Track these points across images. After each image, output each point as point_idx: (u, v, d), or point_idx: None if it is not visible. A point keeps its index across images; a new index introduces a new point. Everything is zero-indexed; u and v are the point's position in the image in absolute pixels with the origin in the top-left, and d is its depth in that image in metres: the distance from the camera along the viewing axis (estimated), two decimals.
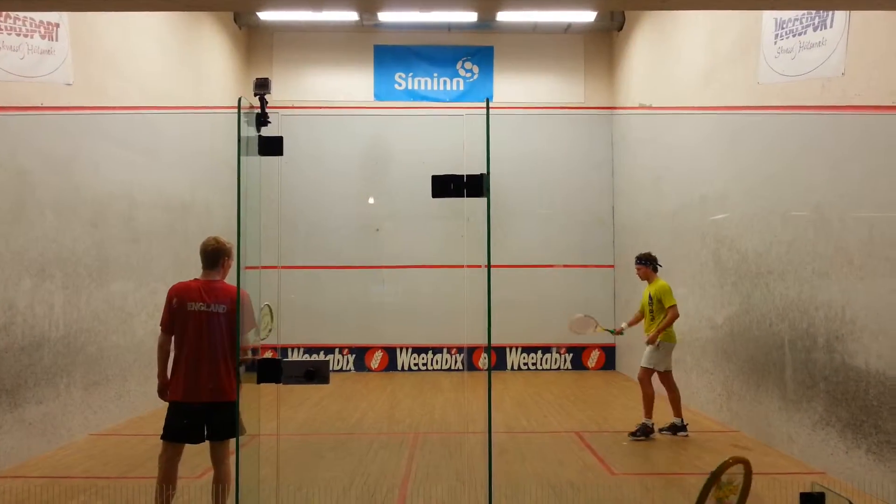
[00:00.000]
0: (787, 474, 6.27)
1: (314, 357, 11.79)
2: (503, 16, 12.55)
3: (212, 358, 4.52)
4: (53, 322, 7.04)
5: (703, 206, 8.90)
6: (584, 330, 8.37)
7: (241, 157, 3.88)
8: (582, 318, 8.39)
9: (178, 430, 4.56)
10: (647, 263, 7.92)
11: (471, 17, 12.51)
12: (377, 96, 13.43)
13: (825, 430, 6.18)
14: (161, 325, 4.64)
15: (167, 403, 4.66)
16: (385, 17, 12.48)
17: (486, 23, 12.95)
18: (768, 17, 7.24)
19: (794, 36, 6.88)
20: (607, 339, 13.04)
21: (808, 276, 6.48)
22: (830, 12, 6.33)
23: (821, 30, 6.49)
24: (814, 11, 6.56)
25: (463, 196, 3.74)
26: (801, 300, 6.59)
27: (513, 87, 13.42)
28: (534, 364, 13.11)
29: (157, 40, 9.67)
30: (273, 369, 3.79)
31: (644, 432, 7.45)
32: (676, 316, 7.60)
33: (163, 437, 4.58)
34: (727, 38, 8.29)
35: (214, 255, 4.67)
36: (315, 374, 3.76)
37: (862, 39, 5.91)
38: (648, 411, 7.59)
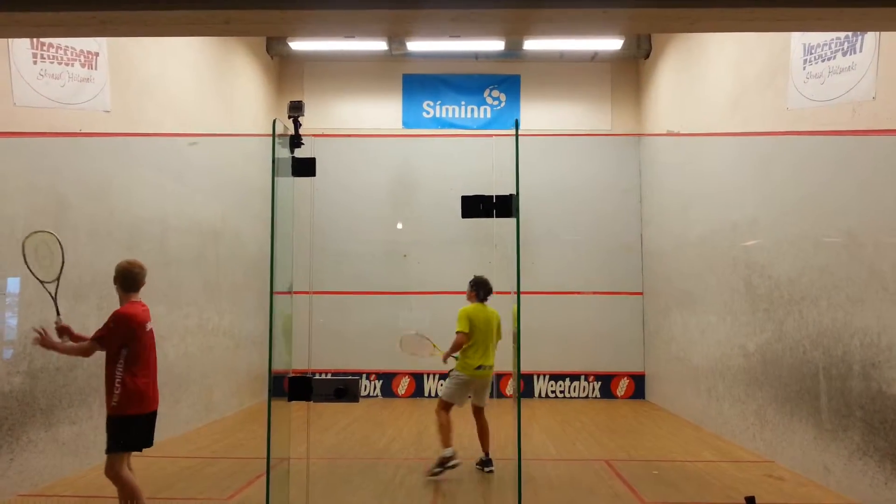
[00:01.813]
0: None
1: None
2: (530, 44, 12.67)
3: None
4: None
5: (733, 232, 8.83)
6: (419, 351, 7.68)
7: (275, 179, 3.96)
8: (415, 338, 7.76)
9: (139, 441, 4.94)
10: (471, 287, 7.38)
11: (498, 45, 12.64)
12: (405, 124, 13.59)
13: (863, 460, 6.02)
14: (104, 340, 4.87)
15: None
16: (413, 46, 12.67)
17: (513, 52, 13.08)
18: (797, 42, 7.24)
19: (823, 61, 6.86)
20: (637, 367, 12.91)
21: (843, 301, 6.37)
22: (860, 37, 6.32)
23: (850, 54, 6.47)
24: (843, 36, 6.55)
25: (492, 216, 3.77)
26: (835, 327, 6.48)
27: (540, 115, 13.50)
28: (562, 392, 12.98)
29: (192, 70, 9.92)
30: (304, 387, 3.83)
31: (440, 464, 6.81)
32: (459, 344, 7.04)
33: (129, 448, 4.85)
34: (755, 64, 8.29)
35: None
36: (345, 392, 3.79)
37: (892, 63, 5.88)
38: (444, 440, 6.98)
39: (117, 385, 4.78)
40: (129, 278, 5.02)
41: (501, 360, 12.01)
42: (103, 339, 4.84)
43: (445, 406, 7.09)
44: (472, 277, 7.45)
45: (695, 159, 10.38)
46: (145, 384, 4.91)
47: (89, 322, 7.20)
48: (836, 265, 6.50)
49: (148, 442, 4.94)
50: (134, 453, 4.94)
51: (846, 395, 6.27)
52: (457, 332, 7.06)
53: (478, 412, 7.27)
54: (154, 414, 4.99)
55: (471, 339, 7.03)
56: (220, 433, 9.25)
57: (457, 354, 7.13)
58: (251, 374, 11.78)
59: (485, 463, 7.15)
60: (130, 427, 4.81)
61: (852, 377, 6.17)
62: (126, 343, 4.84)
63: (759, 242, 8.10)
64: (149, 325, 5.03)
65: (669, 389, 11.53)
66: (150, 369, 4.99)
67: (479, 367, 7.04)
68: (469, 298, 7.34)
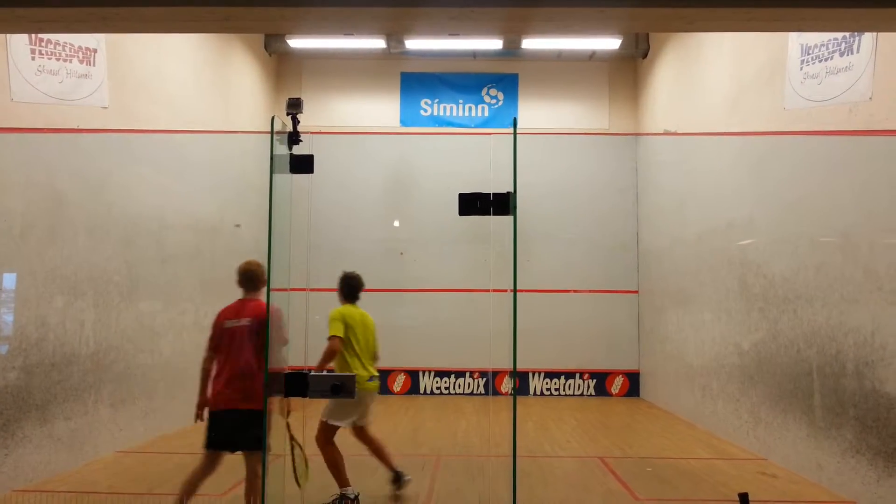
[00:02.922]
0: (817, 503, 6.16)
1: None
2: (528, 43, 12.68)
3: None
4: (84, 339, 7.16)
5: (728, 232, 8.86)
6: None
7: (273, 175, 3.97)
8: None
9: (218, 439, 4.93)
10: (339, 284, 6.20)
11: (496, 44, 12.65)
12: (403, 122, 13.60)
13: (855, 457, 6.07)
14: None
15: (195, 421, 5.03)
16: (412, 44, 12.67)
17: (511, 50, 13.09)
18: (794, 43, 7.27)
19: (820, 61, 6.90)
20: (632, 366, 12.95)
21: (837, 301, 6.41)
22: (857, 37, 6.35)
23: (847, 55, 6.50)
24: (840, 37, 6.59)
25: (490, 214, 3.79)
26: (829, 326, 6.52)
27: (537, 113, 13.52)
28: (556, 389, 13.02)
29: (190, 66, 9.91)
30: (300, 383, 3.84)
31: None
32: (333, 351, 5.69)
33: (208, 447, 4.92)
34: (752, 64, 8.32)
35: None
36: (341, 388, 3.80)
37: (889, 64, 5.92)
38: (340, 479, 5.74)
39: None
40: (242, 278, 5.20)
41: (496, 357, 12.12)
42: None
43: (330, 432, 5.75)
44: (342, 274, 6.21)
45: (691, 159, 10.42)
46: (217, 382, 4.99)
47: (86, 317, 7.21)
48: (830, 265, 6.53)
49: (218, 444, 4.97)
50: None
51: (839, 394, 6.31)
52: (329, 338, 5.71)
53: (361, 432, 6.00)
54: (224, 412, 4.95)
55: (349, 345, 5.81)
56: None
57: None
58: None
59: (397, 477, 6.05)
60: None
61: (846, 376, 6.21)
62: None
63: (755, 242, 8.14)
64: (228, 323, 5.06)
65: (664, 387, 11.57)
66: (223, 367, 5.01)
67: (371, 379, 5.91)
68: (341, 299, 6.08)
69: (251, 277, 5.15)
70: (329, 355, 5.69)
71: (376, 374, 6.02)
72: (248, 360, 4.93)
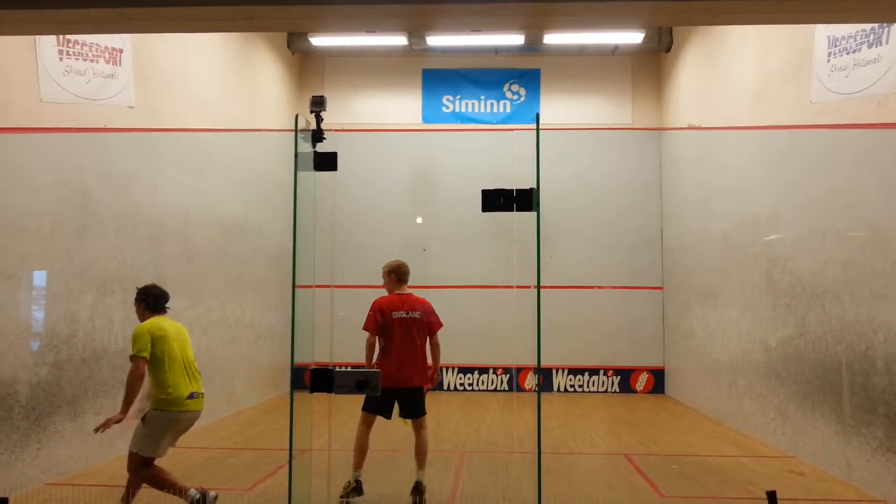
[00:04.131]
0: (847, 502, 6.08)
1: None
2: (550, 38, 12.63)
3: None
4: (112, 336, 7.27)
5: (754, 227, 8.76)
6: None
7: (297, 173, 4.00)
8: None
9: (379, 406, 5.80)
10: (139, 299, 5.31)
11: (518, 39, 12.61)
12: (425, 119, 13.61)
13: (886, 455, 5.97)
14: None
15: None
16: (433, 41, 12.68)
17: (532, 46, 13.04)
18: (821, 35, 7.16)
19: (847, 53, 6.79)
20: (657, 362, 12.86)
21: (866, 297, 6.31)
22: (886, 28, 6.24)
23: (876, 46, 6.39)
24: (868, 28, 6.48)
25: (513, 210, 3.79)
26: (858, 322, 6.43)
27: (560, 109, 13.45)
28: (580, 386, 12.97)
29: (214, 65, 10.01)
30: (325, 379, 3.87)
31: None
32: (138, 375, 4.91)
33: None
34: (778, 57, 8.21)
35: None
36: (366, 383, 3.83)
37: None
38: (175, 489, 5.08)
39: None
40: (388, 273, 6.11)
41: (520, 354, 12.11)
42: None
43: (144, 464, 5.04)
44: (140, 288, 5.37)
45: (716, 153, 10.31)
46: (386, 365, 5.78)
47: (114, 314, 7.32)
48: (859, 260, 6.44)
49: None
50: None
51: (869, 391, 6.21)
52: (132, 357, 4.98)
53: (146, 464, 5.09)
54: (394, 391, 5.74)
55: (159, 361, 5.03)
56: (242, 424, 9.36)
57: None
58: (272, 367, 11.89)
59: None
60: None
61: (876, 373, 6.11)
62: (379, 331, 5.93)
63: (781, 237, 8.03)
64: (396, 314, 5.92)
65: (689, 384, 11.48)
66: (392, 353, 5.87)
67: (190, 396, 5.12)
68: (140, 315, 5.26)
69: (406, 272, 6.11)
70: (133, 379, 4.92)
71: (200, 390, 5.23)
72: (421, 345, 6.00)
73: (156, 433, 5.00)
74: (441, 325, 6.17)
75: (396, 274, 6.05)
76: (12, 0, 3.56)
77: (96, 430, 4.96)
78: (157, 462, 5.13)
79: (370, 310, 5.93)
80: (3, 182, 5.91)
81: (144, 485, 5.05)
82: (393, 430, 6.09)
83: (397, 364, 5.77)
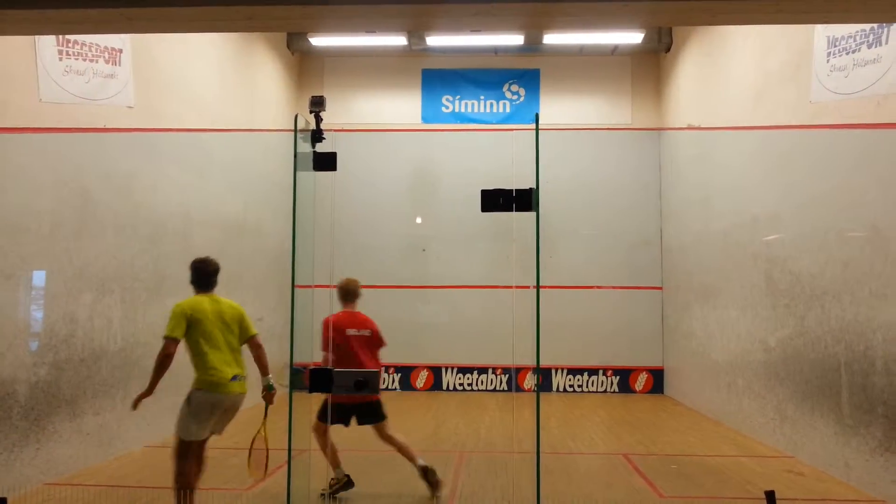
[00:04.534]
0: (845, 502, 6.08)
1: None
2: (549, 38, 12.63)
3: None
4: (111, 335, 7.27)
5: (753, 227, 8.77)
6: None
7: (297, 173, 4.00)
8: None
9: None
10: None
11: (517, 40, 12.61)
12: (424, 119, 13.61)
13: (885, 456, 5.98)
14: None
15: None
16: (433, 41, 12.67)
17: (532, 46, 13.04)
18: (820, 35, 7.17)
19: (847, 53, 6.79)
20: (656, 362, 12.87)
21: (866, 297, 6.32)
22: (885, 28, 6.25)
23: (875, 47, 6.40)
24: (868, 28, 6.48)
25: (512, 210, 3.79)
26: (857, 322, 6.43)
27: (559, 109, 13.45)
28: (579, 386, 12.97)
29: (213, 65, 10.01)
30: (325, 379, 3.87)
31: None
32: (164, 355, 4.93)
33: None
34: (777, 57, 8.22)
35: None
36: (365, 384, 3.83)
37: None
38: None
39: None
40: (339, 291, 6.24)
41: (519, 354, 12.11)
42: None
43: (184, 449, 4.99)
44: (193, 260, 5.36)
45: (715, 153, 10.32)
46: None
47: (114, 313, 7.32)
48: (859, 260, 6.44)
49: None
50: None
51: (868, 391, 6.22)
52: (164, 338, 4.93)
53: (202, 447, 5.16)
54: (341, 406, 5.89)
55: (197, 343, 5.02)
56: (242, 424, 9.33)
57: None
58: (272, 366, 11.85)
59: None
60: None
61: (875, 373, 6.12)
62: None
63: (781, 237, 8.04)
64: (350, 331, 6.04)
65: (688, 384, 11.49)
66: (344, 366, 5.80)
67: (234, 378, 5.08)
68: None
69: (357, 290, 6.27)
70: (160, 358, 4.90)
71: (242, 372, 5.16)
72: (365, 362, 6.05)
73: (197, 414, 4.95)
74: (385, 343, 6.30)
75: (345, 291, 6.24)
76: (13, 0, 3.56)
77: (133, 407, 5.01)
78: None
79: (324, 328, 5.89)
80: (3, 182, 5.90)
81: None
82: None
83: None
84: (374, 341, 6.16)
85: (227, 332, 5.13)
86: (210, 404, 4.95)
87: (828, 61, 7.06)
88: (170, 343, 4.90)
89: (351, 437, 6.06)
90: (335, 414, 5.86)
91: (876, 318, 6.15)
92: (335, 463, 5.95)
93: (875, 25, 6.37)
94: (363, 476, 6.34)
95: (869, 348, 6.22)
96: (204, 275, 5.26)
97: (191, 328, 4.96)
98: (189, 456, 4.96)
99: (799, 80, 7.61)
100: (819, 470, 6.99)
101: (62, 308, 6.60)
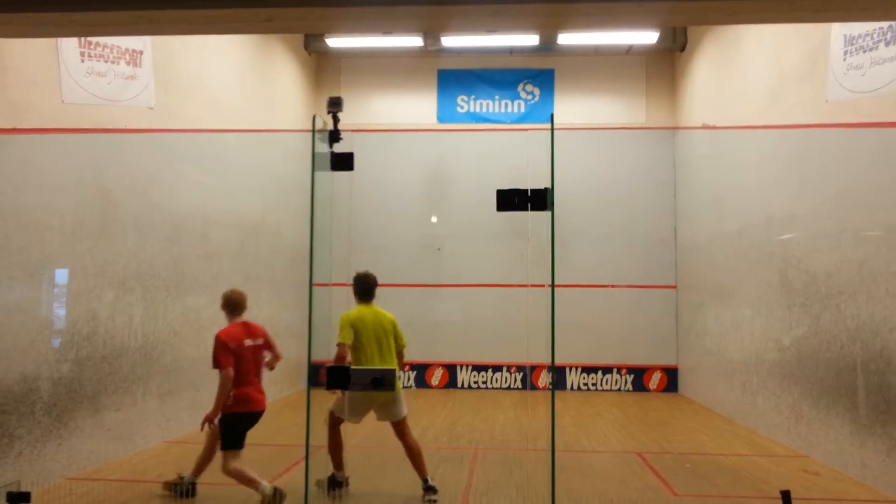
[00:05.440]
0: (862, 502, 6.07)
1: None
2: (564, 38, 12.64)
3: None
4: (132, 333, 7.39)
5: (769, 226, 8.74)
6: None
7: (315, 173, 4.06)
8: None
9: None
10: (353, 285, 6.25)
11: (532, 40, 12.63)
12: (440, 119, 13.67)
13: None
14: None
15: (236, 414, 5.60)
16: (448, 41, 12.72)
17: (547, 46, 13.06)
18: (837, 33, 7.14)
19: (864, 52, 6.77)
20: (670, 361, 12.85)
21: (882, 296, 6.30)
22: None
23: (893, 44, 6.37)
24: (886, 26, 6.46)
25: (527, 210, 3.83)
26: (874, 321, 6.41)
27: (574, 109, 13.46)
28: (594, 384, 12.98)
29: (232, 67, 10.11)
30: (342, 377, 3.94)
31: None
32: (338, 356, 5.84)
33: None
34: (793, 56, 8.19)
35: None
36: (381, 381, 3.89)
37: None
38: (335, 463, 5.99)
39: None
40: (228, 304, 5.91)
41: (533, 352, 12.12)
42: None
43: (334, 421, 5.96)
44: (355, 274, 6.28)
45: (730, 153, 10.29)
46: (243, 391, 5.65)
47: (134, 311, 7.43)
48: (875, 259, 6.42)
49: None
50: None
51: (885, 391, 6.20)
52: (337, 345, 5.88)
53: (401, 431, 6.01)
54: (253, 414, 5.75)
55: (361, 348, 5.92)
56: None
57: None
58: (289, 364, 11.96)
59: (427, 488, 5.86)
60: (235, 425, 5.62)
61: (891, 372, 6.10)
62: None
63: (796, 236, 8.02)
64: (247, 342, 5.75)
65: (703, 383, 11.46)
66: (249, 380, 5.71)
67: None
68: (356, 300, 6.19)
69: (240, 303, 5.94)
70: (335, 359, 5.80)
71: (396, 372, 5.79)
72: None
73: (352, 398, 5.78)
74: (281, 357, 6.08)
75: (231, 303, 5.91)
76: (37, 3, 3.65)
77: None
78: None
79: (220, 345, 5.54)
80: (26, 181, 6.02)
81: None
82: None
83: (256, 389, 5.70)
84: (268, 349, 5.94)
85: (383, 338, 6.01)
86: (365, 396, 5.74)
87: (844, 59, 7.03)
88: (342, 348, 5.82)
89: (361, 434, 6.10)
90: (241, 434, 5.68)
91: (892, 317, 6.13)
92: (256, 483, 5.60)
93: (893, 23, 6.34)
94: (363, 476, 6.39)
95: (885, 348, 6.20)
96: (365, 287, 6.16)
97: (356, 334, 5.86)
98: (337, 429, 5.92)
99: (815, 79, 7.58)
100: (835, 469, 6.97)
101: (84, 306, 6.72)
